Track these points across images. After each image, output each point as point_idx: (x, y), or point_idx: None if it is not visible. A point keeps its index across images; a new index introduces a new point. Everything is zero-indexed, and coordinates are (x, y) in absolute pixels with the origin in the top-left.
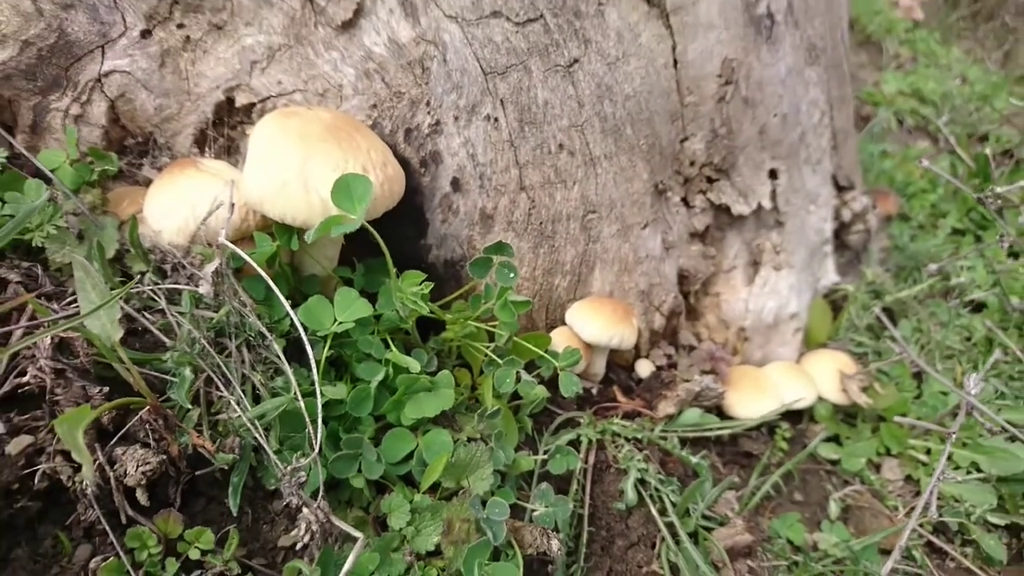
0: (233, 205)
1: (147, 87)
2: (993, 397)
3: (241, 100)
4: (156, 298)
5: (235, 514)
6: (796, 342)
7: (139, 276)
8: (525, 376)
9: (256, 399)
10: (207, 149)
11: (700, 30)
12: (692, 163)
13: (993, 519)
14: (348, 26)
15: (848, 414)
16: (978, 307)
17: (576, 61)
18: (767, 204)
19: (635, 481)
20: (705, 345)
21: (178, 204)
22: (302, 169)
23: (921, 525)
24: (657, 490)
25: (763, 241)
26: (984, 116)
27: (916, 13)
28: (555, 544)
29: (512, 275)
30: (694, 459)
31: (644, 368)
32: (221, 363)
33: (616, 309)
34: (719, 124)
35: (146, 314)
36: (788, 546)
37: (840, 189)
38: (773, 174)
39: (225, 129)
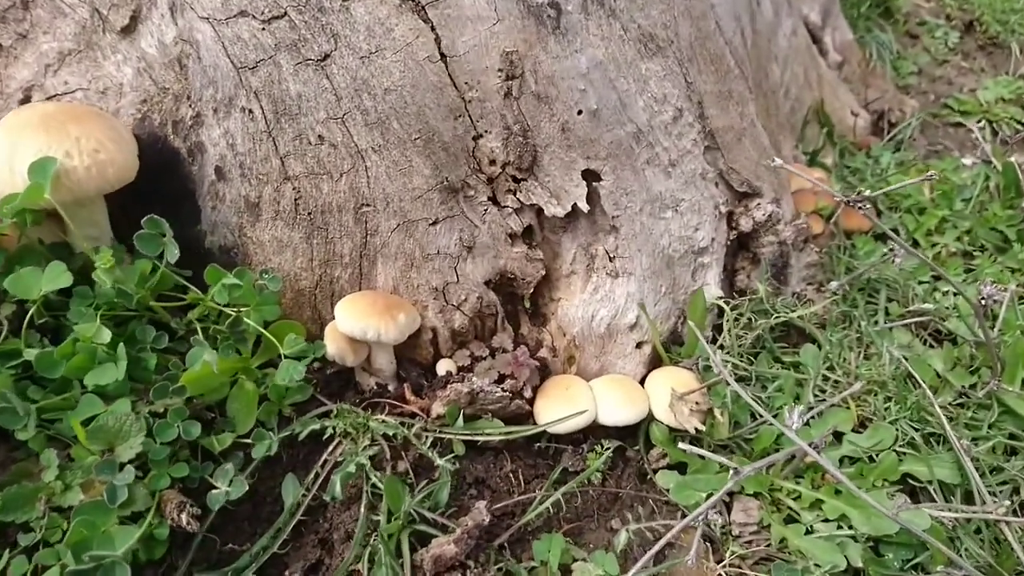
0: None
1: None
2: (897, 443)
3: (35, 98)
4: None
5: None
6: (640, 356)
7: None
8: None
9: None
10: None
11: (468, 22)
12: (492, 161)
13: None
14: (128, 31)
15: (699, 441)
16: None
17: (327, 56)
18: (583, 206)
19: (347, 475)
20: (519, 350)
21: None
22: (10, 153)
23: None
24: (375, 487)
25: (598, 246)
26: None
27: None
28: (184, 518)
29: (175, 251)
30: (439, 460)
31: (443, 368)
32: None
33: (376, 302)
34: (512, 121)
35: None
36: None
37: (742, 195)
38: (594, 175)
39: None
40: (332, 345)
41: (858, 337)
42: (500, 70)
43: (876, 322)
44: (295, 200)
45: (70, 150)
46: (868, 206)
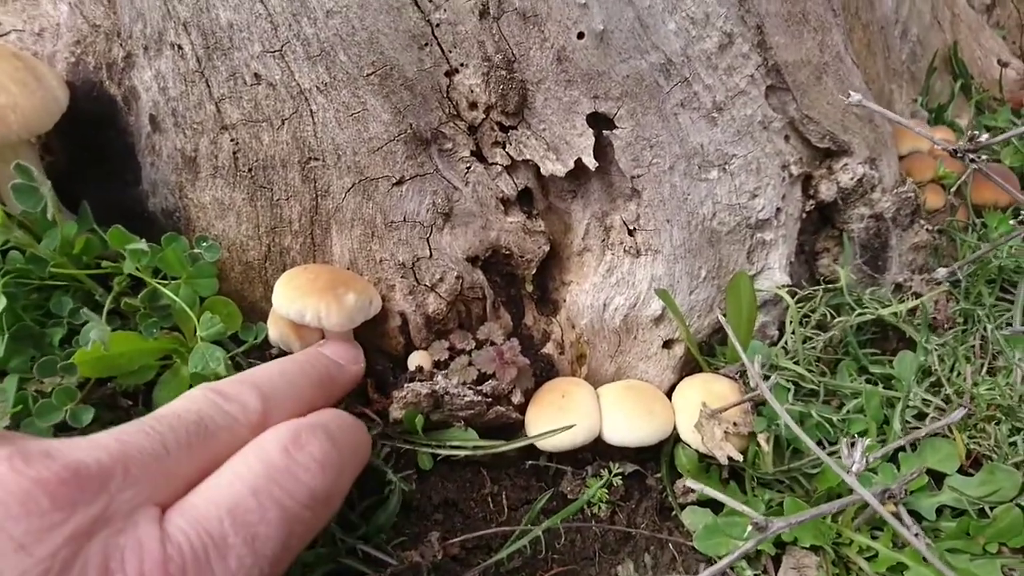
0: None
1: None
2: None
3: None
4: None
5: None
6: (668, 359)
7: None
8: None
9: None
10: None
11: None
12: (473, 104)
13: None
14: None
15: (739, 471)
16: None
17: None
18: (590, 162)
19: None
20: (506, 345)
21: None
22: None
23: None
24: None
25: (614, 216)
26: None
27: None
28: None
29: (52, 207)
30: (392, 476)
31: (414, 361)
32: None
33: (318, 278)
34: (492, 50)
35: None
36: None
37: (823, 153)
38: (604, 120)
39: None
40: (274, 329)
41: (981, 345)
42: None
43: (1007, 324)
44: (233, 153)
45: None
46: (983, 158)
